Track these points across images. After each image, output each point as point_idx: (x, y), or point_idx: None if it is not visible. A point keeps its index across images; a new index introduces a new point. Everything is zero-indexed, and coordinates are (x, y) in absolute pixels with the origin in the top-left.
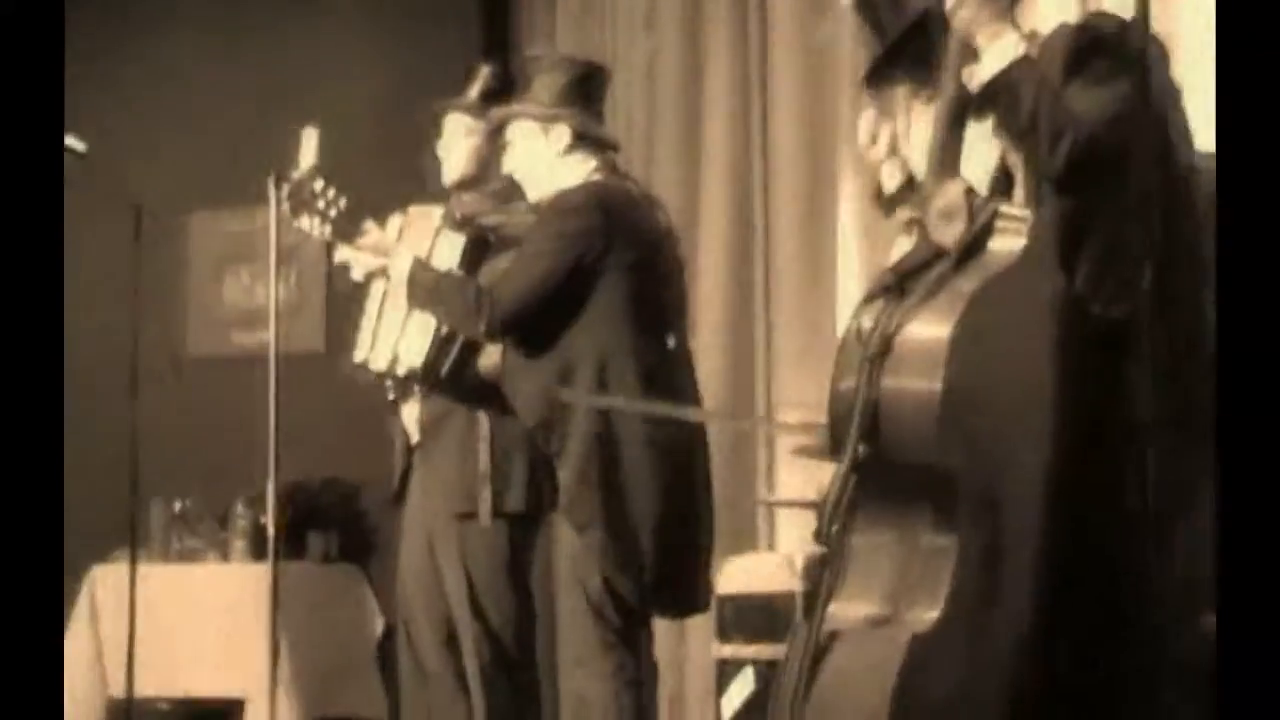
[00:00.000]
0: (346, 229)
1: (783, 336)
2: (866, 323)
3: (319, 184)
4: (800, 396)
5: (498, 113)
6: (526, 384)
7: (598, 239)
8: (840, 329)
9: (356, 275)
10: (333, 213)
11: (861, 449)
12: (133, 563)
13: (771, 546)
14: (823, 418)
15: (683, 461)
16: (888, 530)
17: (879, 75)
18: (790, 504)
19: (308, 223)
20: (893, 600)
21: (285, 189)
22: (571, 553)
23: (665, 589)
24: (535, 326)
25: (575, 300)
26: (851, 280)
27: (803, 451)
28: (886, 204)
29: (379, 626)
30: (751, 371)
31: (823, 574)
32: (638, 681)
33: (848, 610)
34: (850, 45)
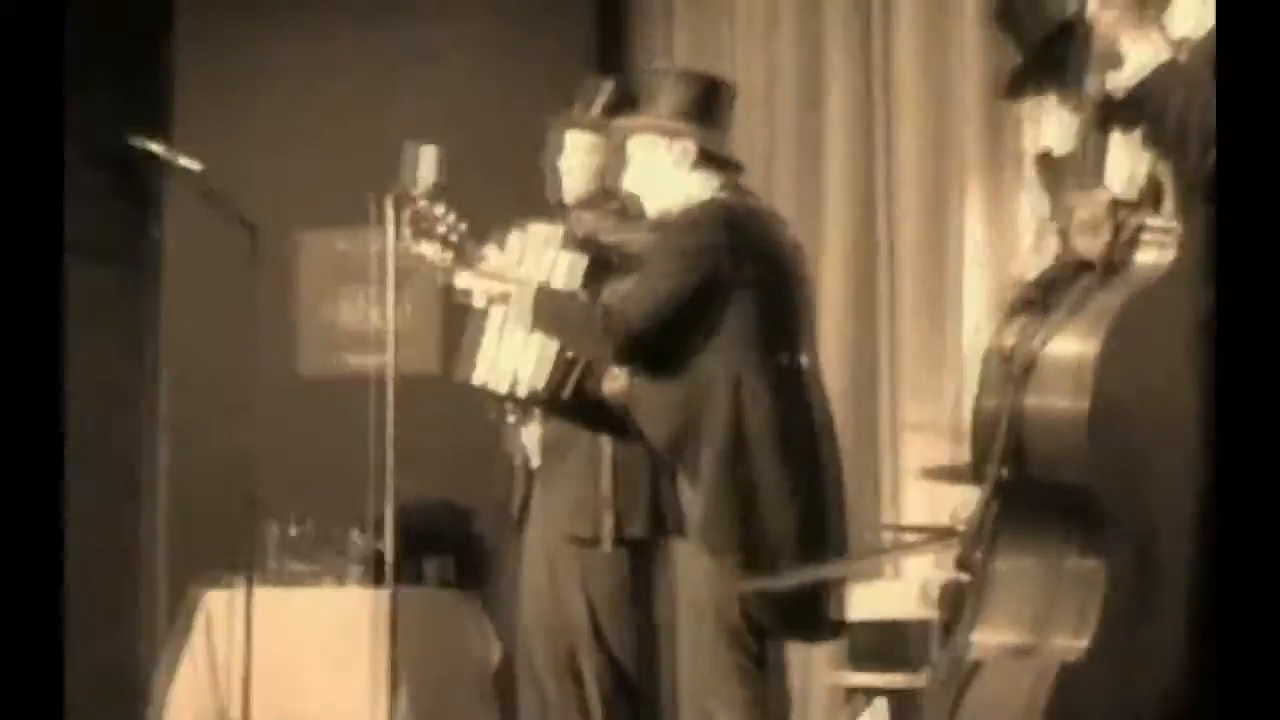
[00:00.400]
0: (468, 254)
1: (906, 355)
2: (1008, 340)
3: (439, 208)
4: (924, 415)
5: (620, 124)
6: (656, 406)
7: (724, 256)
8: (966, 347)
9: (478, 301)
10: (453, 238)
11: (1005, 471)
12: (248, 587)
13: (897, 573)
14: (945, 436)
15: (818, 482)
16: (1031, 555)
17: (1021, 85)
18: (917, 529)
19: (429, 249)
20: (1038, 628)
21: (406, 212)
22: (705, 577)
23: (802, 613)
24: (664, 347)
25: (704, 319)
26: (978, 298)
27: (934, 474)
28: (1044, 168)
29: (496, 654)
30: (875, 390)
31: (964, 600)
32: (774, 712)
33: (991, 638)
34: (976, 56)
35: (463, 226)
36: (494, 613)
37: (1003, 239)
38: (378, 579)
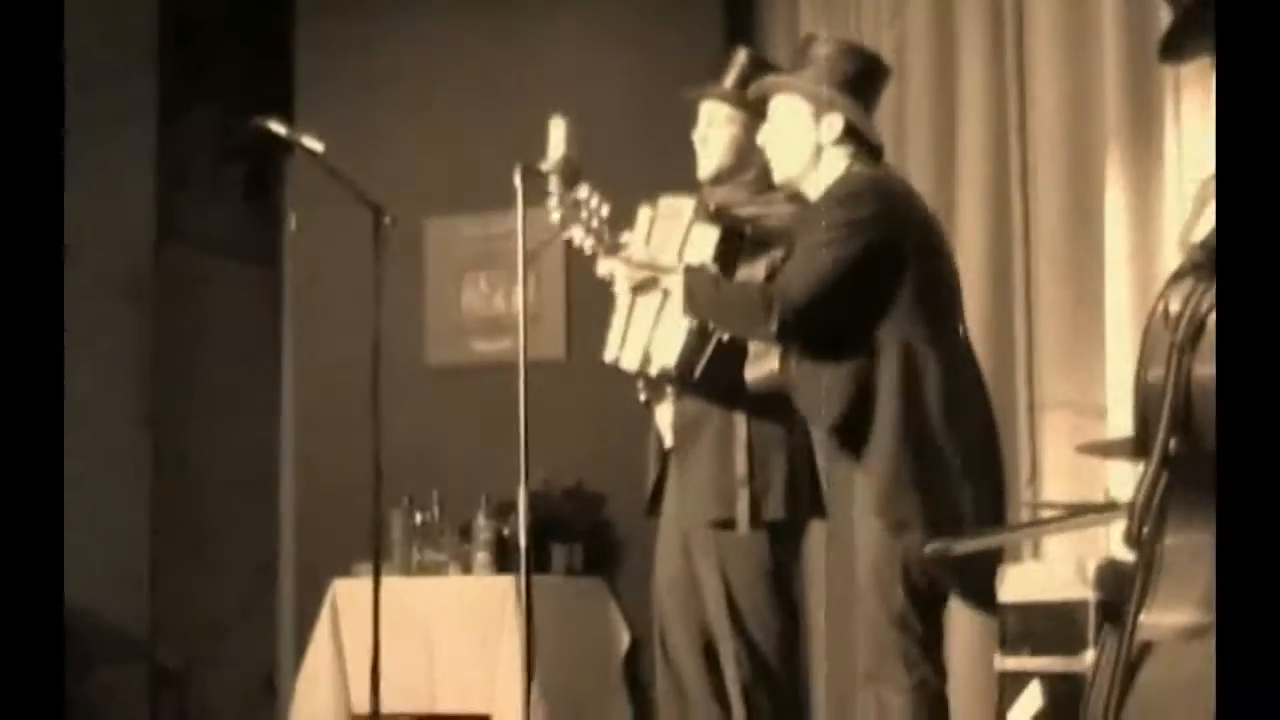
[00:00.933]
0: (612, 241)
1: (1045, 335)
2: (1175, 305)
3: (583, 191)
4: (1065, 394)
5: (771, 80)
6: (823, 382)
7: (884, 226)
8: (1109, 326)
9: (621, 289)
10: (595, 223)
11: (1174, 443)
12: (376, 576)
13: (1037, 553)
14: (1086, 414)
15: (985, 455)
16: (1201, 530)
17: (1176, 45)
18: (1073, 506)
19: (579, 235)
20: (1211, 607)
21: (555, 198)
22: (874, 562)
23: (973, 587)
24: (828, 321)
25: (868, 288)
26: (1120, 275)
27: (1089, 450)
28: None
29: (625, 641)
30: (1012, 370)
31: (1122, 580)
32: (940, 694)
33: (1161, 618)
34: (1116, 22)
35: (605, 211)
36: (623, 599)
37: (1147, 213)
38: (503, 566)
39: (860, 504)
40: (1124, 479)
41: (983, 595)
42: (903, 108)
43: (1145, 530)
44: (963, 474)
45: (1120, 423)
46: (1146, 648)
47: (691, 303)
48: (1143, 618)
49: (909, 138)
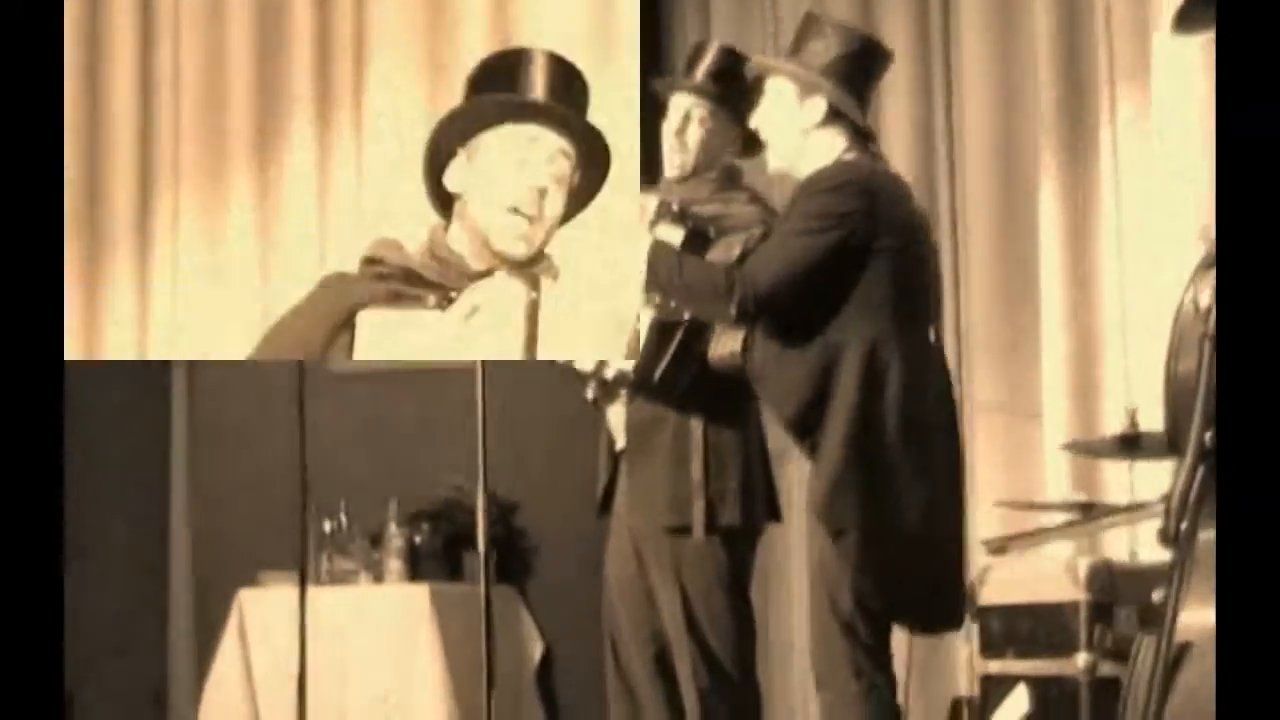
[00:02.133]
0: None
1: (977, 335)
2: (1204, 296)
3: None
4: (997, 396)
5: (759, 61)
6: (783, 376)
7: (862, 221)
8: (1044, 326)
9: None
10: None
11: (1209, 437)
12: (303, 585)
13: None
14: (1022, 417)
15: (942, 461)
16: None
17: (1193, 16)
18: (1057, 506)
19: None
20: None
21: None
22: (820, 563)
23: (924, 600)
24: (793, 310)
25: (838, 283)
26: (1055, 276)
27: (1074, 448)
28: None
29: (538, 650)
30: None
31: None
32: (891, 702)
33: (1197, 618)
34: (1048, 25)
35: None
36: (536, 608)
37: (1082, 210)
38: (415, 575)
39: (810, 503)
40: (1061, 481)
41: (931, 614)
42: None
43: (1184, 527)
44: (914, 483)
45: (1057, 425)
46: (1184, 649)
47: (653, 277)
48: (1181, 617)
49: None
